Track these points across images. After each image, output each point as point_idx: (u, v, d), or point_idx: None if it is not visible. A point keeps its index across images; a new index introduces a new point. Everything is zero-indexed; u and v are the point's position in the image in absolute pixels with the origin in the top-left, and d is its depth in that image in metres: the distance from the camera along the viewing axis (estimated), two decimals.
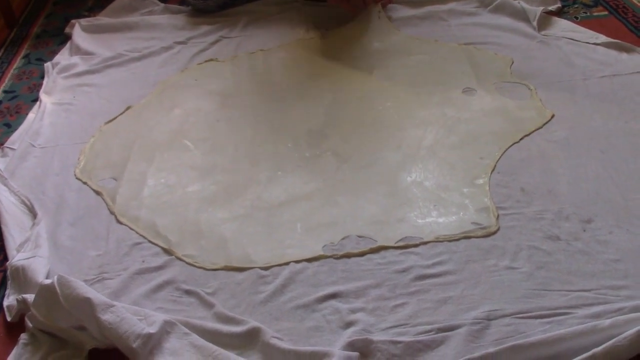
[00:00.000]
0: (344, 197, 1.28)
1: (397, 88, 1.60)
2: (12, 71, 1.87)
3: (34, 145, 1.50)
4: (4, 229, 1.27)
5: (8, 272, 1.16)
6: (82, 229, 1.27)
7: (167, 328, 1.01)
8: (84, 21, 2.01)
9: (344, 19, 1.91)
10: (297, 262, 1.15)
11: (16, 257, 1.17)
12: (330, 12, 1.95)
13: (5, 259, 1.21)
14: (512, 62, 1.64)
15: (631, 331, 0.93)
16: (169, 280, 1.14)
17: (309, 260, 1.16)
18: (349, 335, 1.01)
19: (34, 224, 1.27)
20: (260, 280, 1.13)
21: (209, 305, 1.09)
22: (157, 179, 1.38)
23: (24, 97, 1.74)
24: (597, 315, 1.00)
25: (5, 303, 1.11)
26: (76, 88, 1.72)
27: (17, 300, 1.10)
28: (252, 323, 1.03)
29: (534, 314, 1.02)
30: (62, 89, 1.72)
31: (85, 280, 1.11)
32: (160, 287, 1.13)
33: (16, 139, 1.54)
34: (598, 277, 1.07)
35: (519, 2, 1.85)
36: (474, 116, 1.47)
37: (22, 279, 1.13)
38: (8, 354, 1.03)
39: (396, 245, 1.17)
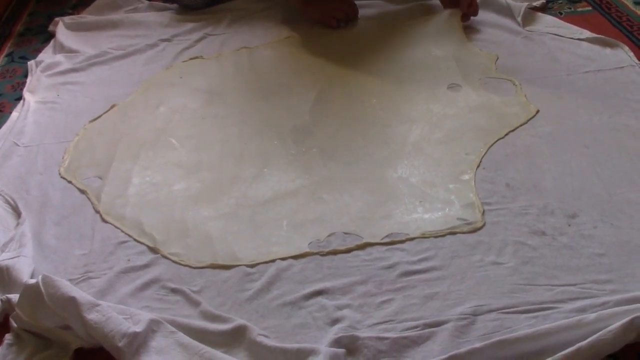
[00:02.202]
0: (329, 194, 1.28)
1: (382, 84, 1.60)
2: None
3: (17, 144, 1.49)
4: None
5: None
6: (66, 228, 1.26)
7: (153, 327, 1.01)
8: (67, 19, 2.00)
9: None
10: (283, 259, 1.15)
11: (0, 257, 1.16)
12: None
13: None
14: (497, 58, 1.65)
15: (615, 325, 0.93)
16: (155, 278, 1.14)
17: (295, 257, 1.15)
18: (335, 332, 1.00)
19: (18, 224, 1.26)
20: (246, 277, 1.13)
21: (195, 304, 1.08)
22: (142, 177, 1.37)
23: (8, 95, 1.73)
24: (582, 310, 1.00)
25: None
26: (60, 86, 1.71)
27: (1, 300, 1.09)
28: (238, 321, 1.03)
29: (519, 309, 1.02)
30: (46, 87, 1.71)
31: (70, 280, 1.10)
32: (146, 285, 1.13)
33: None
34: (583, 272, 1.08)
35: None
36: (460, 112, 1.47)
37: (7, 278, 1.12)
38: None
39: (382, 241, 1.17)
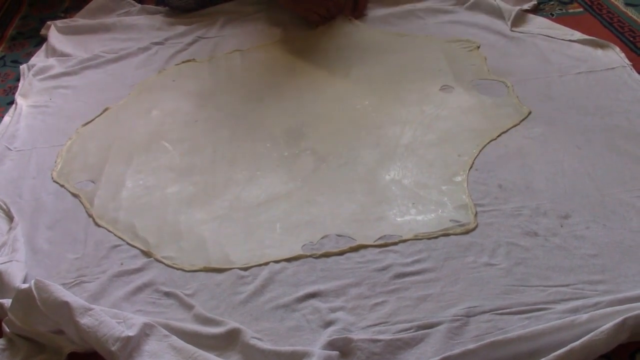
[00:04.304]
0: (322, 196, 1.28)
1: (375, 86, 1.60)
2: None
3: (10, 149, 1.49)
4: None
5: None
6: (59, 232, 1.26)
7: (146, 330, 1.01)
8: (59, 22, 2.00)
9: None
10: (276, 262, 1.15)
11: None
12: None
13: None
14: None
15: (608, 325, 0.94)
16: (148, 282, 1.14)
17: (289, 260, 1.16)
18: (329, 334, 1.01)
19: (10, 228, 1.26)
20: (240, 280, 1.13)
21: (189, 307, 1.08)
22: (135, 181, 1.37)
23: (0, 99, 1.72)
24: (575, 310, 1.01)
25: None
26: (52, 90, 1.71)
27: None
28: (232, 324, 1.03)
29: (512, 310, 1.02)
30: (38, 91, 1.71)
31: (63, 284, 1.10)
32: (139, 289, 1.13)
33: None
34: (576, 272, 1.08)
35: (495, 0, 1.86)
36: (452, 113, 1.48)
37: None
38: None
39: (375, 243, 1.17)
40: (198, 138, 1.49)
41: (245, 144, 1.45)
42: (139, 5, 2.09)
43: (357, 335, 0.99)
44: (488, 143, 1.37)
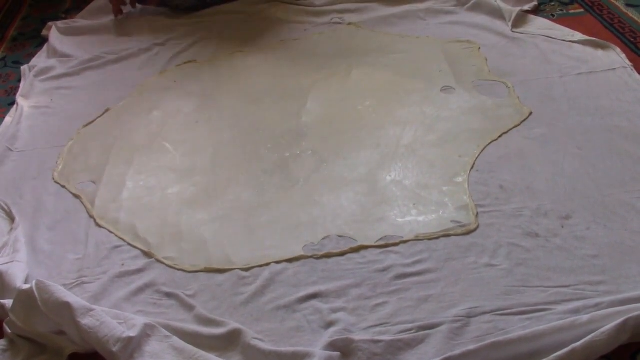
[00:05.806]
0: (323, 197, 1.28)
1: (376, 87, 1.61)
2: None
3: (11, 149, 1.50)
4: None
5: None
6: (60, 233, 1.26)
7: (147, 331, 1.01)
8: (61, 23, 2.00)
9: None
10: (277, 262, 1.15)
11: None
12: (309, 12, 1.96)
13: None
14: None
15: (609, 326, 0.94)
16: (149, 283, 1.14)
17: (290, 260, 1.16)
18: (330, 335, 1.01)
19: (12, 229, 1.26)
20: (241, 281, 1.13)
21: (190, 308, 1.08)
22: (136, 182, 1.38)
23: (1, 100, 1.73)
24: (576, 311, 1.01)
25: None
26: (54, 91, 1.72)
27: None
28: (233, 325, 1.03)
29: (513, 311, 1.02)
30: (39, 92, 1.71)
31: (64, 285, 1.10)
32: (140, 290, 1.13)
33: None
34: (576, 273, 1.08)
35: (495, 1, 1.86)
36: (453, 114, 1.48)
37: (0, 284, 1.12)
38: None
39: (376, 244, 1.17)
40: (199, 139, 1.49)
41: (246, 144, 1.45)
42: (140, 6, 2.09)
43: (358, 336, 0.99)
44: (489, 144, 1.38)
